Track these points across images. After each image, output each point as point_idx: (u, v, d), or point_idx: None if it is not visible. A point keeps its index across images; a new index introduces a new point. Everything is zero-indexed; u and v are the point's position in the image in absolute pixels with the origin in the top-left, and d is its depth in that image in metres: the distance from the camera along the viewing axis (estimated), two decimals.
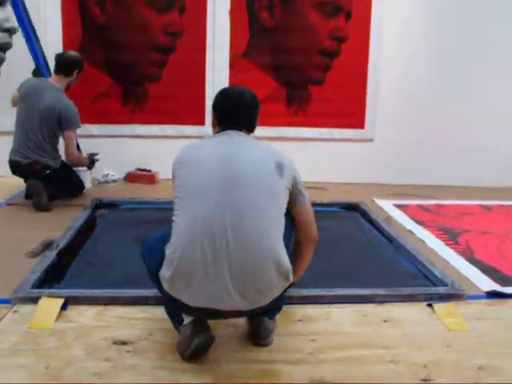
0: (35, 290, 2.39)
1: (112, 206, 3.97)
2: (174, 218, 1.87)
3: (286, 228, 1.90)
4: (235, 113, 2.04)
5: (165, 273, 1.84)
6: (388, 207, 4.16)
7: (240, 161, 1.86)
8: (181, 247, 1.79)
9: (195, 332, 1.88)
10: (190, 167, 1.89)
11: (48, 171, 3.87)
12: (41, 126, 3.81)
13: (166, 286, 1.86)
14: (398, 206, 4.19)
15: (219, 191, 1.80)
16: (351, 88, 4.85)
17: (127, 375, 1.82)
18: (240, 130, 2.01)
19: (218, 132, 2.04)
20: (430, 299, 2.49)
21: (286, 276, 1.85)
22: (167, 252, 1.84)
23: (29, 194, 3.86)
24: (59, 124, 3.85)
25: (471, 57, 4.78)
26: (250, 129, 2.08)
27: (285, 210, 1.91)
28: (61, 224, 3.29)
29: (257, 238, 1.77)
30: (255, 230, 1.78)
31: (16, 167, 3.89)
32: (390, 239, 3.40)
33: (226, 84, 4.66)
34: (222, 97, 2.08)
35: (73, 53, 4.02)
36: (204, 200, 1.79)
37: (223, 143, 1.95)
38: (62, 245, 2.94)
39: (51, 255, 2.79)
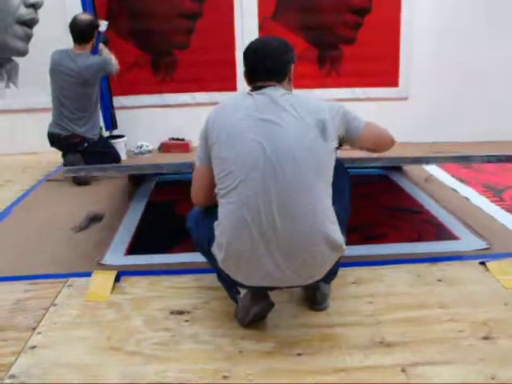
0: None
1: (149, 176, 3.92)
2: (219, 197, 1.80)
3: (336, 191, 1.85)
4: (260, 64, 1.90)
5: (217, 254, 1.83)
6: (428, 166, 4.08)
7: (281, 133, 1.74)
8: (228, 231, 1.76)
9: (254, 301, 1.87)
10: (226, 139, 1.76)
11: (86, 144, 3.87)
12: (73, 97, 3.79)
13: (220, 265, 1.84)
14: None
15: (263, 170, 1.70)
16: (384, 46, 4.71)
17: (189, 344, 1.83)
18: (270, 81, 1.87)
19: (251, 89, 1.92)
20: None
21: (338, 249, 1.82)
22: (216, 233, 1.82)
23: None
24: (98, 79, 3.89)
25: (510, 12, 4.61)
26: (280, 78, 1.90)
27: (332, 179, 1.83)
28: (101, 197, 3.32)
29: (304, 217, 1.72)
30: (302, 208, 1.72)
31: (55, 139, 3.89)
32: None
33: None
34: (247, 50, 1.95)
35: (84, 16, 3.87)
36: (247, 180, 1.71)
37: (259, 107, 1.79)
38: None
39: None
